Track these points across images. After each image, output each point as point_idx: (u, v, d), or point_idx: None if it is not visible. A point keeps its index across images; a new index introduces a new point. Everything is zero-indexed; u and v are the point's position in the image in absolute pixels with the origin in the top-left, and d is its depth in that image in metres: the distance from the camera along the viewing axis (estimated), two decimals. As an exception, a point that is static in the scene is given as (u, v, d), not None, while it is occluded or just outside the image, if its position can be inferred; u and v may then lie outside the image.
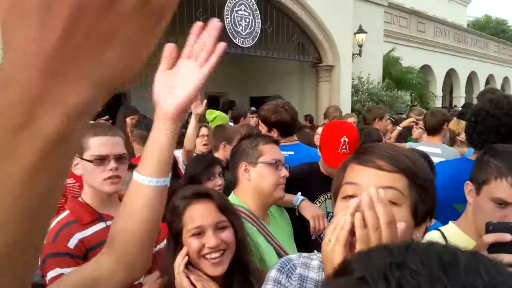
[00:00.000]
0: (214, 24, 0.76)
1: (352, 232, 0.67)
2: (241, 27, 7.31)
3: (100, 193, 1.45)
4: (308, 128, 4.99)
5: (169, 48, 0.78)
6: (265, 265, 1.30)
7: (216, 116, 4.01)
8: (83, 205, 1.45)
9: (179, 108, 0.74)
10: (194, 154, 3.07)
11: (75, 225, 1.38)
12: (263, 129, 2.36)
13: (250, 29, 7.48)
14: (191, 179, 2.25)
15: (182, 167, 2.85)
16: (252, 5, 7.50)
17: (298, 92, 9.56)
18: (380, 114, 4.00)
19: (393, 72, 11.37)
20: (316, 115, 8.34)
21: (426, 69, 14.61)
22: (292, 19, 8.28)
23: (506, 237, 0.88)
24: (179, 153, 3.12)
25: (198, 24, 0.79)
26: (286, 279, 0.90)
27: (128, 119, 4.00)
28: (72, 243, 1.33)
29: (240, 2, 7.31)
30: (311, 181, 1.87)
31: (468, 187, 1.19)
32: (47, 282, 1.29)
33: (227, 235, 1.17)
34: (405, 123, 4.28)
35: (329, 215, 1.76)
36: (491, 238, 0.90)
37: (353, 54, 9.70)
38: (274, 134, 2.29)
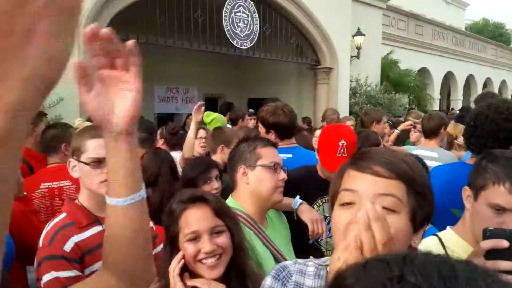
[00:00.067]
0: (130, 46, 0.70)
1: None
2: (239, 29, 7.32)
3: (97, 196, 1.44)
4: (306, 130, 4.99)
5: (78, 67, 0.70)
6: (262, 269, 1.29)
7: (214, 118, 4.01)
8: (80, 207, 1.45)
9: (130, 122, 0.70)
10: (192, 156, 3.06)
11: (71, 228, 1.38)
12: (261, 130, 2.36)
13: (248, 31, 7.48)
14: (188, 182, 2.25)
15: (181, 170, 2.84)
16: (251, 7, 7.51)
17: (296, 94, 9.57)
18: (378, 117, 4.01)
19: (391, 75, 11.39)
20: (314, 117, 8.34)
21: (424, 72, 14.66)
22: (290, 21, 8.29)
23: (503, 243, 0.88)
24: (176, 155, 3.11)
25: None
26: (282, 287, 0.89)
27: (125, 121, 3.98)
28: (68, 246, 1.33)
29: (239, 4, 7.32)
30: (309, 184, 1.87)
31: (466, 192, 1.19)
32: (42, 286, 1.28)
33: (223, 239, 1.17)
34: (403, 126, 4.29)
35: (327, 219, 1.75)
36: (488, 244, 0.90)
37: (351, 57, 9.72)
38: (272, 136, 2.29)
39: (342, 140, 1.78)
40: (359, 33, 9.83)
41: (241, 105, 8.21)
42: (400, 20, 13.24)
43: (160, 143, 3.45)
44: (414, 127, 3.99)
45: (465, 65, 17.33)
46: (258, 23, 7.61)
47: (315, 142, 3.31)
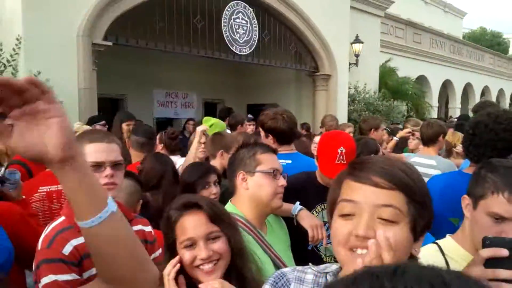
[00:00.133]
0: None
1: None
2: (238, 35, 7.35)
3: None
4: (305, 136, 5.00)
5: None
6: (262, 274, 1.29)
7: (213, 124, 4.01)
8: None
9: (65, 147, 0.66)
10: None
11: (70, 232, 1.37)
12: (262, 133, 2.38)
13: (247, 37, 7.52)
14: (186, 187, 2.25)
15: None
16: (250, 13, 7.55)
17: (295, 101, 9.60)
18: (376, 124, 4.03)
19: (389, 82, 11.45)
20: (312, 124, 8.36)
21: (422, 79, 14.75)
22: (289, 28, 8.34)
23: (503, 252, 0.88)
24: (176, 159, 3.11)
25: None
26: None
27: (124, 125, 3.99)
28: (67, 249, 1.32)
29: (238, 10, 7.36)
30: (308, 190, 1.87)
31: (465, 201, 1.19)
32: (41, 289, 1.27)
33: (219, 245, 1.17)
34: (401, 133, 4.31)
35: (327, 225, 1.75)
36: (487, 253, 0.90)
37: (350, 64, 9.78)
38: (271, 140, 2.30)
39: (341, 147, 1.79)
40: (357, 40, 9.90)
41: (240, 110, 8.23)
42: (398, 28, 13.34)
43: (159, 147, 3.45)
44: (413, 134, 4.00)
45: (463, 73, 17.45)
46: (257, 29, 7.65)
47: (314, 148, 3.31)
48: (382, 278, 0.36)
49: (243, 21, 7.44)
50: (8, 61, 4.90)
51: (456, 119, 7.42)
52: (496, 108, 3.10)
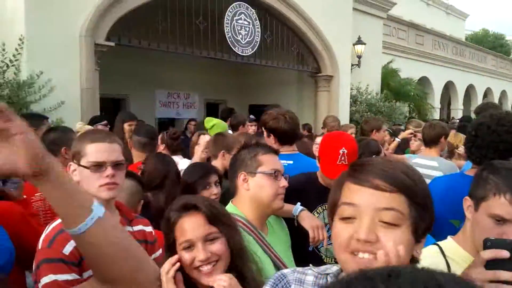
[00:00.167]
0: None
1: None
2: (240, 36, 7.36)
3: (97, 200, 1.44)
4: (307, 137, 5.00)
5: None
6: (262, 274, 1.29)
7: (215, 124, 4.02)
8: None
9: (33, 163, 0.66)
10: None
11: (70, 232, 1.37)
12: (264, 133, 2.39)
13: (250, 38, 7.53)
14: (187, 188, 2.25)
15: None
16: (252, 14, 7.56)
17: (297, 101, 9.59)
18: (378, 125, 4.02)
19: (391, 83, 11.44)
20: (314, 124, 8.36)
21: (424, 81, 14.72)
22: (291, 29, 8.34)
23: (504, 254, 0.88)
24: (177, 160, 3.11)
25: None
26: None
27: (125, 125, 4.00)
28: (67, 249, 1.32)
29: (240, 11, 7.37)
30: (309, 191, 1.87)
31: (467, 202, 1.19)
32: (41, 288, 1.27)
33: (218, 246, 1.17)
34: (403, 134, 4.30)
35: (328, 226, 1.75)
36: (488, 254, 0.90)
37: (352, 65, 9.77)
38: (272, 139, 2.31)
39: (343, 148, 1.79)
40: (360, 42, 9.90)
41: (242, 111, 8.23)
42: (401, 30, 13.33)
43: (161, 148, 3.46)
44: (415, 135, 3.99)
45: (465, 75, 17.41)
46: (260, 30, 7.66)
47: (315, 149, 3.31)
48: (376, 281, 0.36)
49: (246, 22, 7.44)
50: (10, 61, 4.92)
51: (458, 121, 7.40)
52: (498, 110, 3.09)
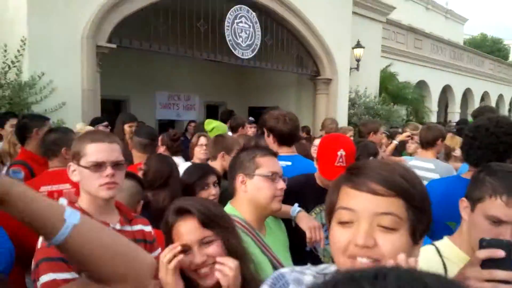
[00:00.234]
0: None
1: None
2: (241, 39, 7.38)
3: (96, 200, 1.45)
4: (305, 139, 5.02)
5: None
6: (260, 276, 1.29)
7: (215, 127, 4.03)
8: (79, 210, 1.45)
9: None
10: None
11: (70, 231, 1.38)
12: (265, 132, 2.41)
13: (250, 41, 7.55)
14: (185, 188, 2.26)
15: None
16: (253, 17, 7.59)
17: (296, 104, 9.62)
18: (375, 128, 4.05)
19: (389, 87, 11.48)
20: (313, 127, 8.38)
21: (422, 84, 14.77)
22: (291, 32, 8.37)
23: (499, 253, 0.89)
24: (178, 160, 3.12)
25: None
26: None
27: (126, 126, 4.01)
28: (67, 248, 1.33)
29: (241, 14, 7.39)
30: (307, 192, 1.88)
31: (463, 203, 1.20)
32: (39, 287, 1.28)
33: (214, 249, 1.17)
34: (401, 137, 4.33)
35: (325, 226, 1.76)
36: (484, 254, 0.90)
37: (351, 68, 9.80)
38: (271, 140, 2.32)
39: (341, 149, 1.80)
40: (359, 45, 9.94)
41: (241, 113, 8.25)
42: (400, 34, 13.38)
43: (161, 149, 3.46)
44: (412, 138, 4.02)
45: (463, 78, 17.47)
46: (260, 33, 7.68)
47: (313, 151, 3.32)
48: (363, 283, 0.36)
49: (246, 25, 7.47)
50: (12, 62, 4.93)
51: (455, 124, 7.43)
52: (495, 113, 3.11)
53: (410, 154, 3.92)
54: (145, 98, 8.96)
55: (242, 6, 7.36)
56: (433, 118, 14.66)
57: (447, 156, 3.59)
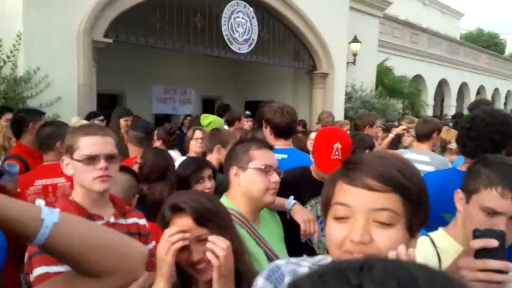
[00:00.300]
0: None
1: None
2: (238, 34, 7.35)
3: (90, 193, 1.45)
4: (301, 133, 5.02)
5: None
6: (255, 268, 1.29)
7: (211, 122, 4.02)
8: (73, 204, 1.44)
9: None
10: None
11: (64, 224, 1.37)
12: (263, 123, 2.41)
13: (247, 35, 7.52)
14: (180, 182, 2.25)
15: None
16: (250, 12, 7.55)
17: (293, 98, 9.61)
18: (371, 121, 4.05)
19: (386, 81, 11.49)
20: (309, 121, 8.38)
21: (418, 78, 14.80)
22: (288, 26, 8.34)
23: (492, 243, 0.89)
24: (174, 154, 3.11)
25: None
26: None
27: (122, 120, 3.99)
28: (61, 242, 1.32)
29: (238, 9, 7.35)
30: (302, 185, 1.88)
31: (459, 195, 1.20)
32: (32, 280, 1.27)
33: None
34: (397, 130, 4.34)
35: (320, 219, 1.77)
36: (477, 244, 0.90)
37: (348, 63, 9.80)
38: (268, 131, 2.33)
39: (337, 143, 1.79)
40: (355, 40, 9.92)
41: (238, 107, 8.23)
42: (396, 29, 13.37)
43: (157, 143, 3.45)
44: (408, 131, 4.03)
45: (459, 72, 17.53)
46: (257, 28, 7.65)
47: (309, 144, 3.32)
48: (349, 274, 0.35)
49: (243, 20, 7.43)
50: (8, 57, 4.90)
51: (451, 117, 7.46)
52: (490, 106, 3.12)
53: (406, 147, 3.93)
54: (141, 92, 8.92)
55: (239, 1, 7.32)
56: (429, 112, 14.71)
57: (443, 149, 3.60)
